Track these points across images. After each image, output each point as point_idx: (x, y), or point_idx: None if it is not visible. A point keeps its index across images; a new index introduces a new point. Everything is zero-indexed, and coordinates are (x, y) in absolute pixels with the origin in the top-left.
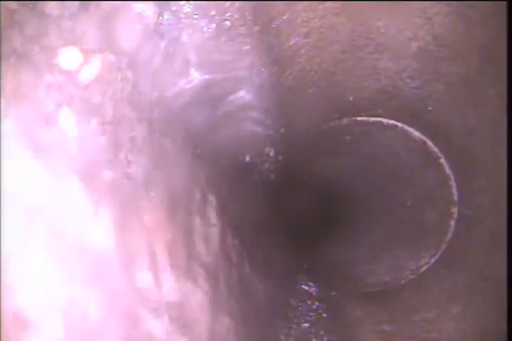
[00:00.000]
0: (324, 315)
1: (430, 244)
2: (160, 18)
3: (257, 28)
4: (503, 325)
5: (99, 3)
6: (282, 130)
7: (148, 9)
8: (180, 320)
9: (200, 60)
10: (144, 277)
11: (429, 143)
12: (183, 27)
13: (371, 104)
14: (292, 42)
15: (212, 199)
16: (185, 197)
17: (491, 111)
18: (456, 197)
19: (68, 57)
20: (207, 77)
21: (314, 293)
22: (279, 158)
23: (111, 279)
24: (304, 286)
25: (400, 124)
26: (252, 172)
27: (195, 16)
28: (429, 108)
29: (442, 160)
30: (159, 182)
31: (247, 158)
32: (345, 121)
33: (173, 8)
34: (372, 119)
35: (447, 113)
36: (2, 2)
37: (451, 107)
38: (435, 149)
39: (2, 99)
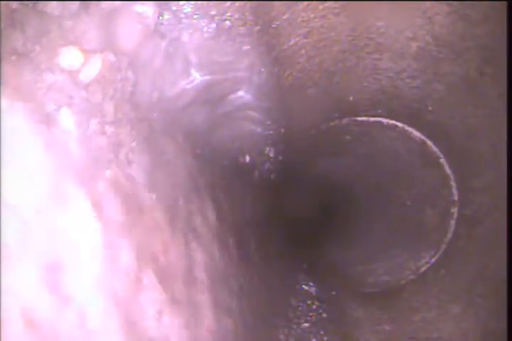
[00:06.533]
0: (324, 315)
1: (430, 244)
2: (160, 18)
3: (257, 28)
4: (503, 325)
5: (99, 3)
6: (282, 130)
7: (149, 9)
8: (182, 319)
9: (200, 61)
10: (146, 277)
11: (429, 143)
12: (183, 27)
13: (371, 104)
14: (292, 42)
15: (212, 198)
16: (186, 196)
17: (491, 111)
18: (456, 197)
19: (69, 56)
20: (207, 77)
21: (314, 293)
22: (279, 158)
23: (112, 279)
24: (304, 286)
25: (400, 124)
26: (252, 172)
27: (196, 16)
28: (429, 108)
29: (442, 160)
30: (160, 181)
31: (247, 158)
32: (345, 121)
33: (173, 8)
34: (372, 119)
35: (447, 113)
36: (3, 2)
37: (451, 107)
38: (435, 149)
39: (3, 98)
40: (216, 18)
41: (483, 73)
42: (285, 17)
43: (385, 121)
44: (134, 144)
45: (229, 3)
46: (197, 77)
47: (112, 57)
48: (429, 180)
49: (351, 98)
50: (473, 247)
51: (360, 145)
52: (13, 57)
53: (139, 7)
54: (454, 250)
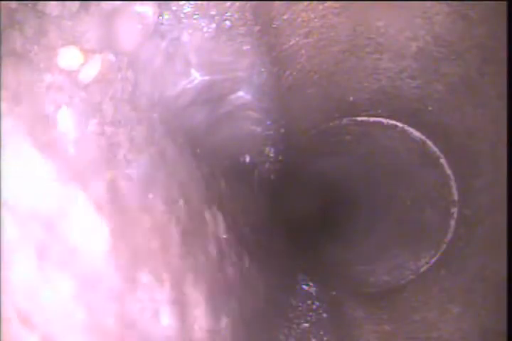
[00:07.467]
0: (324, 315)
1: (430, 244)
2: (160, 18)
3: (257, 28)
4: (503, 325)
5: (99, 3)
6: (282, 130)
7: (149, 9)
8: (181, 319)
9: (200, 61)
10: (144, 277)
11: (429, 143)
12: (183, 27)
13: (371, 104)
14: (292, 42)
15: (211, 199)
16: (185, 197)
17: (491, 111)
18: (456, 197)
19: (68, 57)
20: (207, 77)
21: (314, 293)
22: (279, 158)
23: (111, 279)
24: (304, 286)
25: (400, 124)
26: (252, 172)
27: (196, 16)
28: (429, 108)
29: (442, 160)
30: (159, 182)
31: (247, 158)
32: (345, 121)
33: (174, 8)
34: (372, 119)
35: (447, 113)
36: (2, 2)
37: (451, 107)
38: (435, 149)
39: (2, 99)
40: (216, 18)
41: (483, 73)
42: (285, 17)
43: (385, 121)
44: (133, 144)
45: (229, 3)
46: (197, 77)
47: (111, 57)
48: (429, 180)
49: (351, 98)
50: (473, 247)
51: (360, 145)
52: (12, 58)
53: (139, 7)
54: (454, 250)
